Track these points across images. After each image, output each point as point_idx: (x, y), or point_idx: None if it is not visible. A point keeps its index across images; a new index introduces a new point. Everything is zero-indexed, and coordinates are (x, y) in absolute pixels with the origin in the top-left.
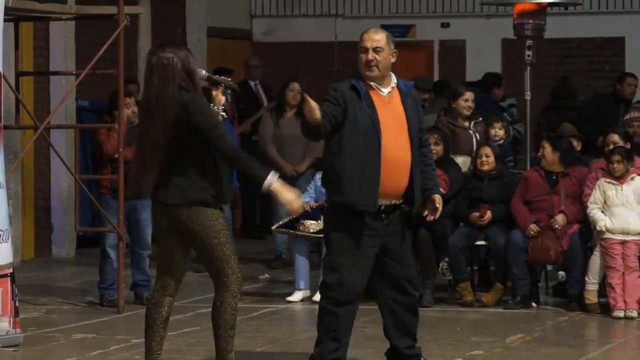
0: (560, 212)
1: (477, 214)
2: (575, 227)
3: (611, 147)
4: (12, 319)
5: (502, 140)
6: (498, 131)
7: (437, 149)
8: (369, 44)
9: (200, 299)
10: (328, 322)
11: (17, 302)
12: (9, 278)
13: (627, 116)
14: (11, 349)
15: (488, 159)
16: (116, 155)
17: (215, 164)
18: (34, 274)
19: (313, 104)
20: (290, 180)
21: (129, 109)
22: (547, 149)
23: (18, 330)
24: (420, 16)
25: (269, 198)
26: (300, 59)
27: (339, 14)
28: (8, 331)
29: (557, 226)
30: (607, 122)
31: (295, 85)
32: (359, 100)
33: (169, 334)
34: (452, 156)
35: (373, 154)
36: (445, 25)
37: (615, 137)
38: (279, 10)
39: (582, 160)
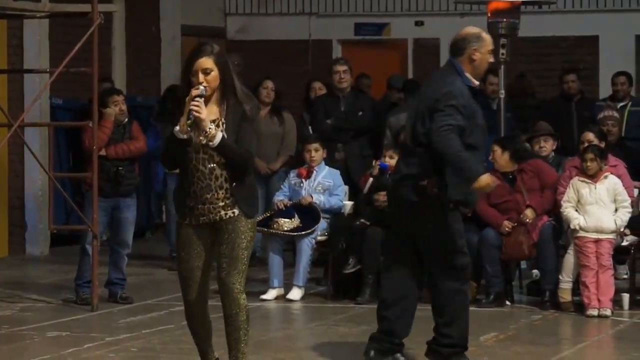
0: (528, 206)
1: None
2: (545, 218)
3: (586, 145)
4: None
5: None
6: None
7: None
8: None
9: (174, 297)
10: (464, 301)
11: None
12: None
13: (601, 115)
14: None
15: None
16: (101, 152)
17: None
18: (8, 272)
19: None
20: (264, 178)
21: (116, 107)
22: (497, 152)
23: None
24: (395, 14)
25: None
26: (274, 57)
27: (313, 12)
28: None
29: (527, 220)
30: (559, 121)
31: (269, 83)
32: (475, 101)
33: (143, 331)
34: None
35: (483, 152)
36: (419, 24)
37: (590, 136)
38: (252, 8)
39: (532, 154)
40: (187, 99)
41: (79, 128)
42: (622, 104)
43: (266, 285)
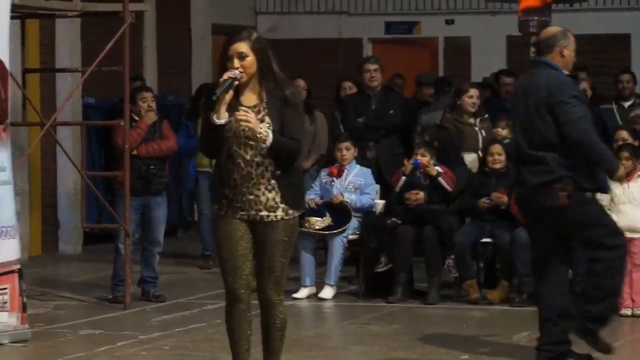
0: None
1: (484, 201)
2: None
3: (620, 143)
4: (19, 315)
5: (508, 140)
6: (501, 131)
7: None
8: None
9: (206, 296)
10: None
11: (24, 297)
12: (16, 274)
13: (633, 113)
14: (19, 345)
15: (500, 157)
16: (134, 152)
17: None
18: (41, 270)
19: None
20: None
21: (144, 104)
22: None
23: (26, 325)
24: (425, 13)
25: None
26: (304, 55)
27: (343, 10)
28: (16, 327)
29: None
30: None
31: (301, 82)
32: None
33: (175, 330)
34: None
35: None
36: (450, 22)
37: (624, 134)
38: (283, 6)
39: None
40: (220, 80)
41: (110, 127)
42: (629, 103)
43: (298, 283)
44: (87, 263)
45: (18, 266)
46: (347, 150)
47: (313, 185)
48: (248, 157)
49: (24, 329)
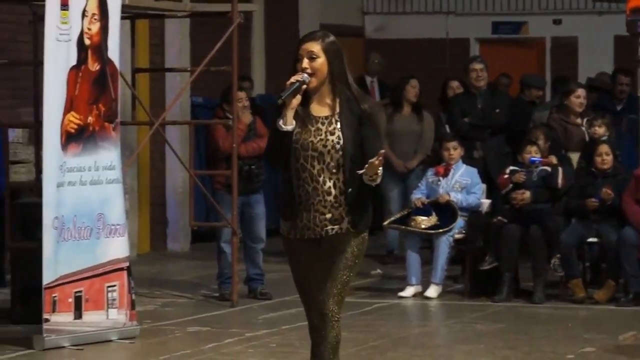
0: None
1: (593, 200)
2: None
3: None
4: (128, 312)
5: (605, 137)
6: (598, 129)
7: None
8: None
9: None
10: None
11: (133, 295)
12: (125, 271)
13: None
14: (128, 341)
15: (607, 158)
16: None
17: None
18: (150, 267)
19: None
20: (401, 176)
21: (239, 104)
22: None
23: (134, 322)
24: (532, 13)
25: (380, 194)
26: (411, 55)
27: (451, 10)
28: (125, 323)
29: None
30: None
31: (414, 82)
32: None
33: (282, 327)
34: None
35: None
36: (557, 22)
37: None
38: (390, 7)
39: None
40: (287, 83)
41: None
42: None
43: (404, 282)
44: (194, 261)
45: (127, 264)
46: (454, 150)
47: (419, 184)
48: (315, 172)
49: (132, 325)
